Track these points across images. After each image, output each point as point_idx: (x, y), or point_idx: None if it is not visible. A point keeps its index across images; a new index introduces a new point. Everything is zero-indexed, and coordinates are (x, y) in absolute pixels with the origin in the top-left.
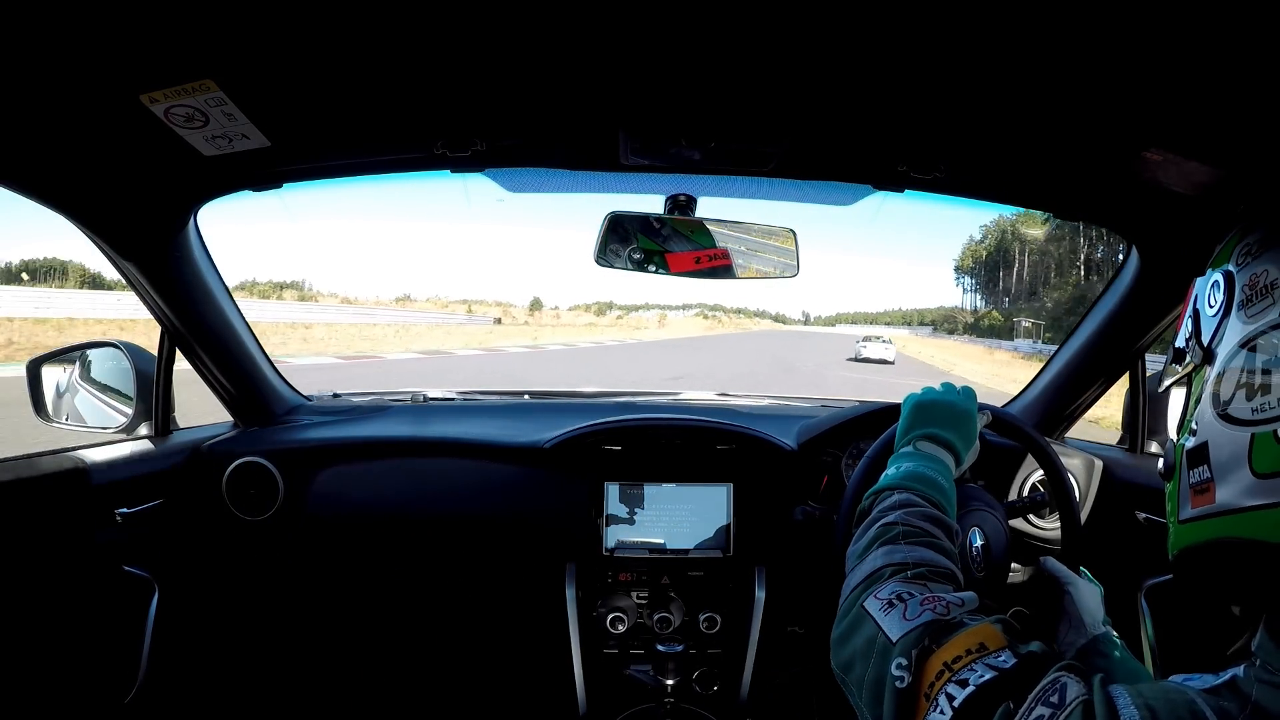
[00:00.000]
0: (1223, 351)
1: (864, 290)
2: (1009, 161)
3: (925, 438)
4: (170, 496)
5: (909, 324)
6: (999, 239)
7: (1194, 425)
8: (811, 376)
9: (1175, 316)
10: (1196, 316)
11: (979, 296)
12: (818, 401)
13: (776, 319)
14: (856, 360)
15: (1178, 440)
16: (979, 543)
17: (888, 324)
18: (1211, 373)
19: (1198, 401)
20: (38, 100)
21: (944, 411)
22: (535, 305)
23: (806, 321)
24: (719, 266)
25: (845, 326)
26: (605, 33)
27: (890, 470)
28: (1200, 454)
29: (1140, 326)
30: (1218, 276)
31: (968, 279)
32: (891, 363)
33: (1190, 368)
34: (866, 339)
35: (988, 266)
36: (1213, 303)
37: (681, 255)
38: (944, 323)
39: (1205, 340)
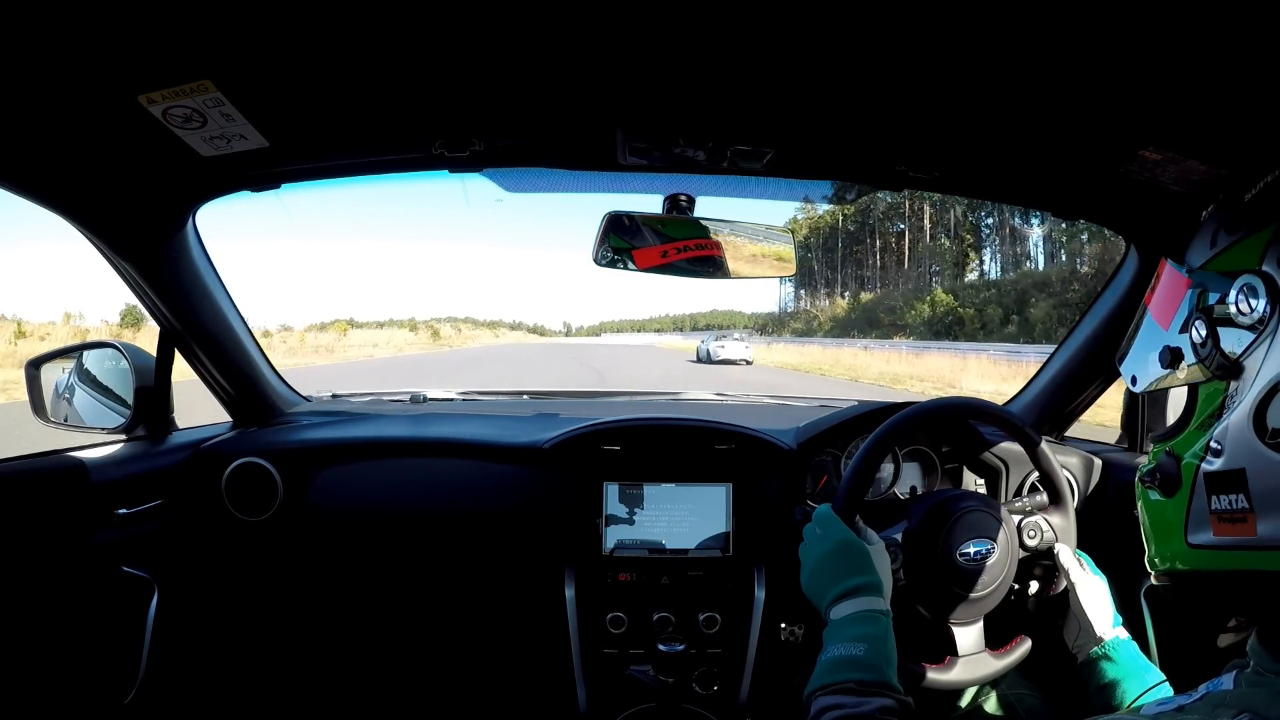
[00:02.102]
0: (1268, 369)
1: (625, 296)
2: (1007, 161)
3: (834, 602)
4: (169, 497)
5: (680, 330)
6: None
7: (1215, 445)
8: None
9: None
10: (1209, 317)
11: (807, 288)
12: (816, 401)
13: (535, 330)
14: (709, 362)
15: (1183, 455)
16: (972, 550)
17: (658, 330)
18: (1246, 390)
19: (1213, 416)
20: (36, 101)
21: (824, 569)
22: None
23: (569, 332)
24: (702, 259)
25: (611, 335)
26: (603, 32)
27: (819, 658)
28: (1233, 480)
29: None
30: (1251, 280)
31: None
32: (750, 362)
33: (1204, 376)
34: (720, 338)
35: (844, 238)
36: (1245, 309)
37: (648, 251)
38: (775, 325)
39: (1232, 351)
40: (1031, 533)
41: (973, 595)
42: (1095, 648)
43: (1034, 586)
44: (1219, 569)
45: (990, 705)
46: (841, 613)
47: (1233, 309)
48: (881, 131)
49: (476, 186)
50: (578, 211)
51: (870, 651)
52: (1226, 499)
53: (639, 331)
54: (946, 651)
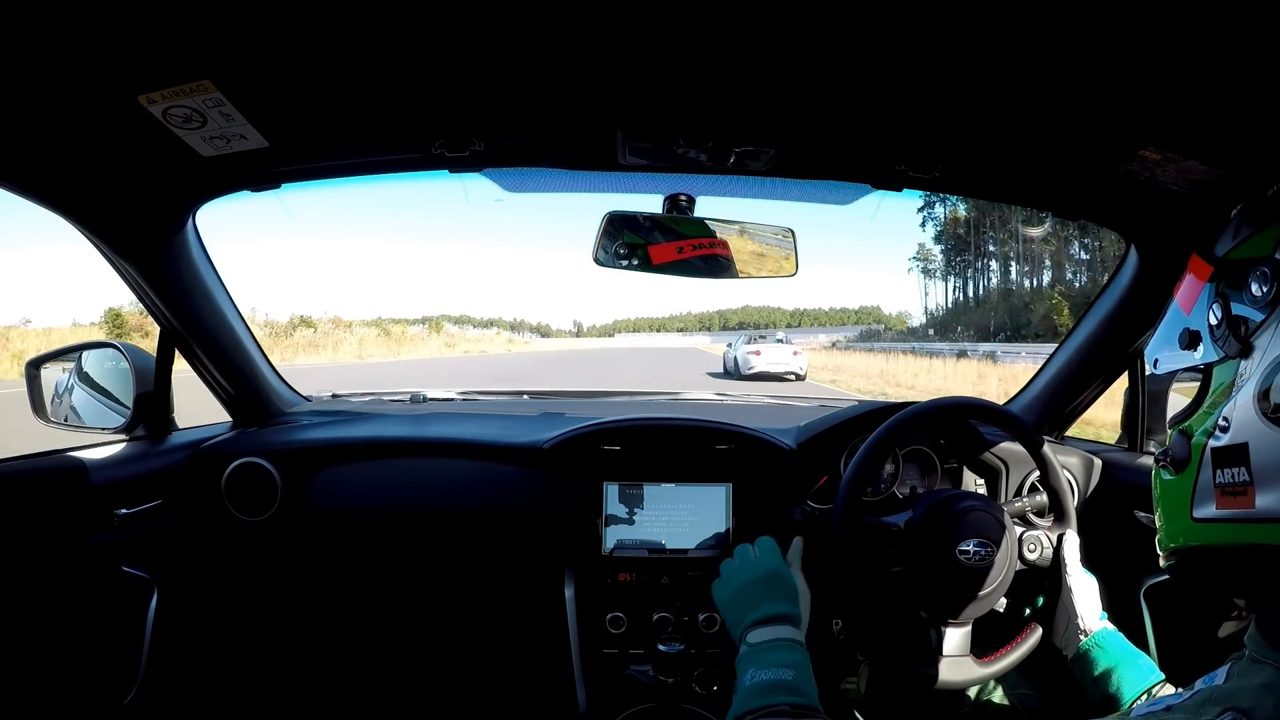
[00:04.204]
0: (1274, 348)
1: (642, 293)
2: (1007, 160)
3: (752, 626)
4: (169, 497)
5: (707, 329)
6: None
7: (1223, 421)
8: None
9: None
10: (1225, 301)
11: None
12: (817, 401)
13: (539, 330)
14: (738, 376)
15: (1194, 433)
16: (972, 549)
17: (680, 330)
18: (1253, 368)
19: (1223, 395)
20: (36, 101)
21: (750, 591)
22: None
23: (579, 333)
24: (711, 257)
25: (625, 336)
26: (603, 32)
27: (739, 684)
28: (1236, 454)
29: (1139, 326)
30: (1264, 266)
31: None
32: (802, 376)
33: (1217, 356)
34: (754, 340)
35: None
36: (1256, 292)
37: (663, 246)
38: (939, 326)
39: (1242, 331)
40: (1031, 546)
41: (967, 595)
42: (1084, 640)
43: (1027, 608)
44: (1220, 543)
45: (992, 705)
46: (760, 638)
47: (1246, 293)
48: (882, 131)
49: (476, 186)
50: (584, 209)
51: (799, 678)
52: (1230, 472)
53: (658, 331)
54: (932, 650)
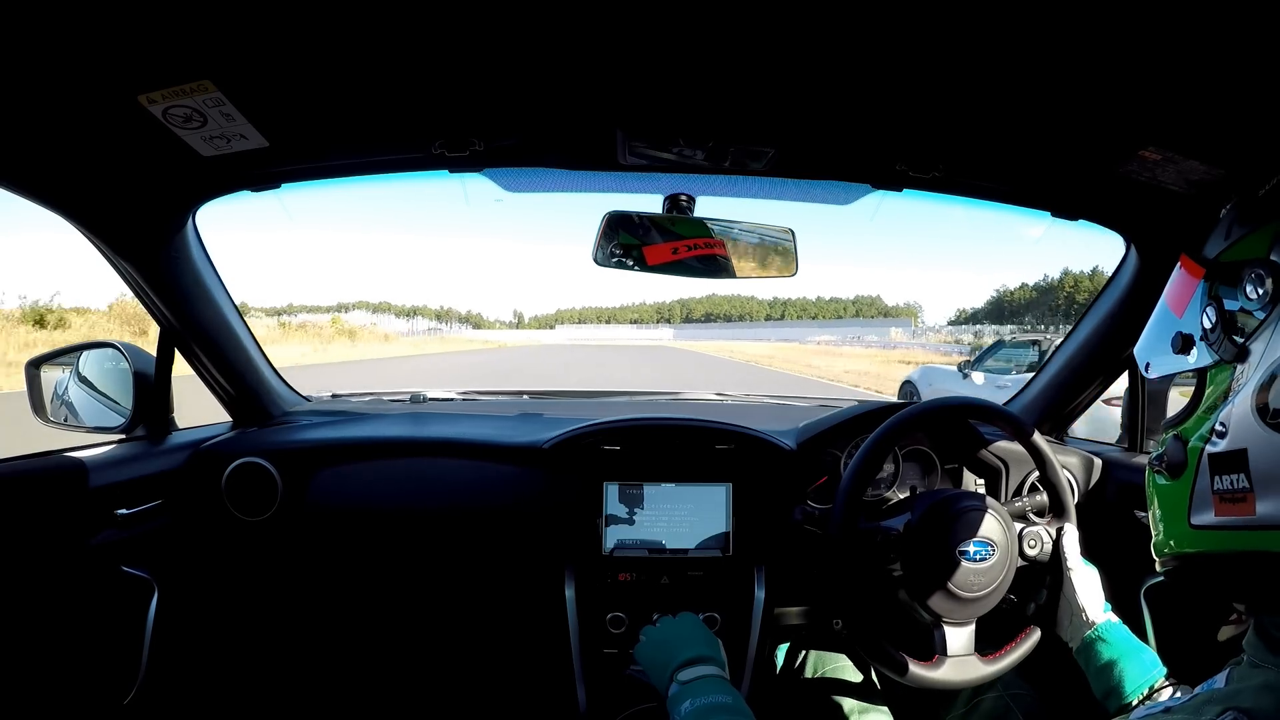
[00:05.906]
0: (1271, 352)
1: (590, 280)
2: (1008, 160)
3: (681, 667)
4: (169, 497)
5: (668, 321)
6: None
7: (1220, 426)
8: None
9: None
10: (1219, 304)
11: None
12: (817, 401)
13: (470, 320)
14: None
15: (1190, 438)
16: (972, 549)
17: (634, 321)
18: (1251, 373)
19: (1219, 399)
20: (36, 100)
21: (675, 640)
22: None
23: (520, 324)
24: (708, 257)
25: (566, 328)
26: (602, 32)
27: (679, 710)
28: (1235, 460)
29: (1139, 326)
30: (1259, 269)
31: None
32: None
33: (1212, 361)
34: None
35: None
36: (1251, 295)
37: (658, 247)
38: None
39: (1239, 336)
40: (1032, 542)
41: (968, 595)
42: (1088, 632)
43: (1031, 604)
44: (1219, 550)
45: (988, 705)
46: (691, 675)
47: (1241, 296)
48: (882, 131)
49: (476, 186)
50: (520, 194)
51: (738, 701)
52: (1228, 479)
53: (607, 323)
54: (936, 651)
